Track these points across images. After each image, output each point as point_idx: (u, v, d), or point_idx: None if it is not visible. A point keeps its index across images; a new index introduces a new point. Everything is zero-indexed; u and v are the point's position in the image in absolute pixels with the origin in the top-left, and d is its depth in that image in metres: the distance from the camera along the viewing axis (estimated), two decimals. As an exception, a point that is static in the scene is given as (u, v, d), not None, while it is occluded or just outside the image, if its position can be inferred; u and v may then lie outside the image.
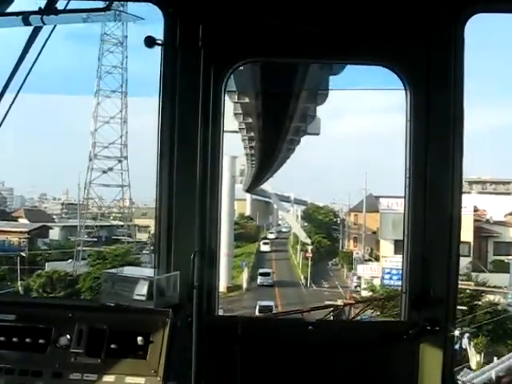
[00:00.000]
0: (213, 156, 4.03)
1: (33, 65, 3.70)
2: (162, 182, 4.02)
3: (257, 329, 4.20)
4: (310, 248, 52.78)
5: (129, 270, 3.76)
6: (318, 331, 4.10)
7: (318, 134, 40.14)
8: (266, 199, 69.06)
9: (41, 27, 3.65)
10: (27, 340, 3.31)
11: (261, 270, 50.04)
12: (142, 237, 54.67)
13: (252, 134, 34.49)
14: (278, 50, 4.17)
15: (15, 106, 3.72)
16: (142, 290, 3.47)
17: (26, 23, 3.60)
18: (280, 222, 78.10)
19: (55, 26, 3.69)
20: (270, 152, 36.93)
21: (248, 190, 62.59)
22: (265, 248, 63.07)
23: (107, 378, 3.20)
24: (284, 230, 71.78)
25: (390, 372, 4.05)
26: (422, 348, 3.95)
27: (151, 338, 3.28)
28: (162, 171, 4.03)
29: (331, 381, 4.08)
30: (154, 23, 4.10)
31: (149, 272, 3.79)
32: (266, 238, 66.16)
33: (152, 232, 49.84)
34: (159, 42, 3.90)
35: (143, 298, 3.46)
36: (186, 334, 3.68)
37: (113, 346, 3.27)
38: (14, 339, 3.32)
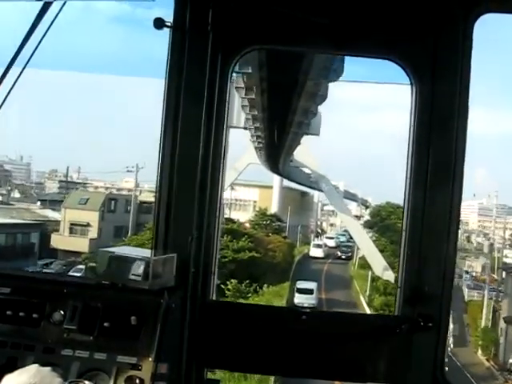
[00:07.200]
0: (216, 138, 4.03)
1: (41, 40, 3.68)
2: (163, 163, 4.02)
3: (250, 315, 4.21)
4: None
5: (125, 250, 3.77)
6: (311, 321, 4.12)
7: (317, 134, 39.97)
8: (306, 187, 45.24)
9: (51, 2, 3.64)
10: (21, 314, 3.33)
11: (299, 284, 33.73)
12: (75, 245, 34.34)
13: (258, 124, 34.59)
14: (286, 39, 4.18)
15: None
16: (138, 269, 3.49)
17: None
18: (323, 226, 51.82)
19: (65, 1, 3.68)
20: (275, 143, 36.44)
21: (273, 168, 41.36)
22: (316, 252, 42.75)
23: (98, 356, 3.22)
24: (342, 239, 45.95)
25: (381, 365, 4.04)
26: (414, 343, 3.95)
27: (145, 318, 3.29)
28: (165, 152, 4.02)
29: (322, 370, 4.10)
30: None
31: (146, 253, 3.79)
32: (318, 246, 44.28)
33: (95, 237, 34.14)
34: (168, 24, 3.89)
35: (139, 278, 3.47)
36: (179, 316, 3.69)
37: (106, 324, 3.29)
38: (8, 312, 3.34)
